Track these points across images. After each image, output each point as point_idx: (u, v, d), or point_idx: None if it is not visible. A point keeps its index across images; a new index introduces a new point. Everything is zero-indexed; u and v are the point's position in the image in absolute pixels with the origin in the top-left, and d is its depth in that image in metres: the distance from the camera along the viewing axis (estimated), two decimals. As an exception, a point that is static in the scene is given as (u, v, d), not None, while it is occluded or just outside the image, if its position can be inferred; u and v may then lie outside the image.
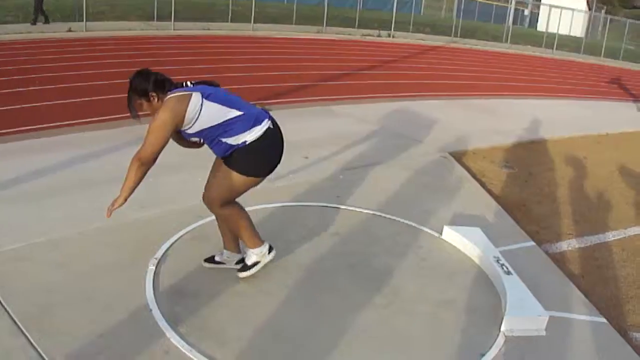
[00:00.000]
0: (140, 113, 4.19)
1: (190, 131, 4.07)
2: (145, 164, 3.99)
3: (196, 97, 3.99)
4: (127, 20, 21.62)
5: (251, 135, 4.07)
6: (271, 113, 4.36)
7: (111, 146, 7.33)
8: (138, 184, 4.05)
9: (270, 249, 4.56)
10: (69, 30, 17.98)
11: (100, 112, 9.12)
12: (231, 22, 24.00)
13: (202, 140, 4.27)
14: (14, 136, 7.72)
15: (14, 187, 5.89)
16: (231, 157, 4.15)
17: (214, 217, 4.68)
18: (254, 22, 22.93)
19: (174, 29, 20.53)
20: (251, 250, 4.50)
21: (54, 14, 19.52)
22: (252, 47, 18.32)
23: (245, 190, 4.28)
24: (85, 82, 11.34)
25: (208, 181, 4.40)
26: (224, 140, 4.08)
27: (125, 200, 4.07)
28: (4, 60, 13.06)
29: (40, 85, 10.72)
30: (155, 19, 22.01)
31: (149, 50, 15.56)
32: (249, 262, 4.53)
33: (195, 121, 4.00)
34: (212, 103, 4.02)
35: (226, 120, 4.03)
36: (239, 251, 4.66)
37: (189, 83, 4.12)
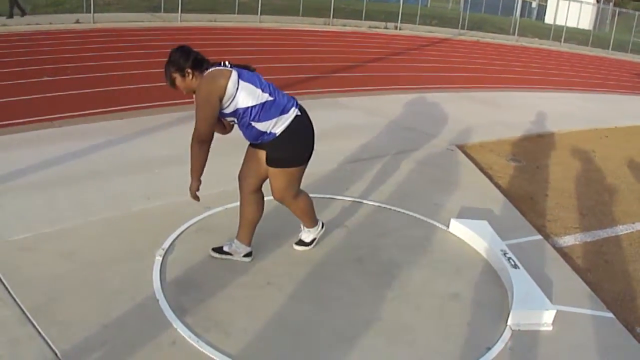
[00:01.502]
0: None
1: (226, 110, 4.11)
2: (205, 140, 4.11)
3: (234, 75, 4.03)
4: (135, 11, 21.62)
5: (278, 125, 4.16)
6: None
7: (119, 137, 7.33)
8: (204, 162, 4.22)
9: (322, 225, 4.96)
10: (77, 22, 17.99)
11: (108, 103, 9.12)
12: (238, 13, 23.99)
13: (233, 123, 4.31)
14: (22, 127, 7.73)
15: (23, 178, 5.91)
16: (270, 157, 4.28)
17: (220, 208, 4.70)
18: (261, 14, 22.89)
19: (180, 21, 20.53)
20: (309, 229, 4.87)
21: (62, 5, 19.52)
22: (259, 39, 18.30)
23: (301, 176, 4.49)
24: (93, 73, 11.35)
25: (243, 168, 4.53)
26: (254, 124, 4.14)
27: (199, 180, 4.28)
28: (11, 52, 13.08)
29: (48, 77, 10.73)
30: (162, 10, 22.04)
31: (156, 42, 15.55)
32: (307, 239, 4.89)
33: (233, 99, 4.04)
34: (247, 84, 4.07)
35: (257, 104, 4.09)
36: (249, 244, 4.68)
37: (227, 62, 4.13)
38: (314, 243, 4.91)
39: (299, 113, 4.26)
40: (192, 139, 4.13)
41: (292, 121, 4.20)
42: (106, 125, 7.94)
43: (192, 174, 4.26)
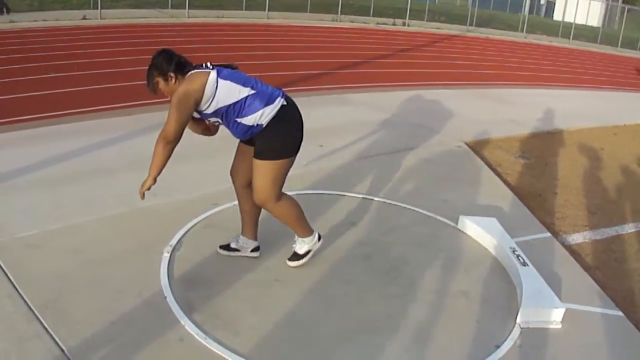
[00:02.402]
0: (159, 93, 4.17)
1: (207, 111, 4.07)
2: (171, 141, 4.00)
3: (213, 74, 4.00)
4: (142, 8, 21.66)
5: (264, 116, 4.07)
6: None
7: (125, 133, 7.34)
8: (165, 162, 4.08)
9: (319, 237, 4.65)
10: (84, 18, 18.02)
11: (116, 99, 9.13)
12: (245, 9, 24.00)
13: (218, 123, 4.27)
14: (29, 124, 7.75)
15: (30, 174, 5.91)
16: (257, 149, 4.15)
17: (228, 205, 4.70)
18: (268, 10, 22.89)
19: (188, 17, 20.55)
20: (302, 239, 4.56)
21: (70, 1, 19.57)
22: (267, 35, 18.29)
23: (286, 173, 4.26)
24: (101, 69, 11.36)
25: (234, 164, 4.45)
26: (239, 120, 4.08)
27: (154, 180, 4.11)
28: (18, 48, 13.11)
29: (55, 73, 10.75)
30: (169, 6, 22.07)
31: (164, 38, 15.56)
32: (301, 251, 4.59)
33: (212, 100, 4.00)
34: (226, 81, 4.02)
35: (240, 100, 4.03)
36: (255, 238, 4.67)
37: (208, 64, 4.12)
38: (309, 256, 4.60)
39: (285, 103, 4.17)
40: (159, 137, 4.00)
41: (279, 111, 4.11)
42: (113, 122, 7.95)
43: (150, 171, 4.09)
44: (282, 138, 4.15)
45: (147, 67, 4.09)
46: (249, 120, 4.08)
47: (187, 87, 3.96)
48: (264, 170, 4.14)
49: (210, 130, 4.44)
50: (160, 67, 4.04)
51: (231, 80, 4.05)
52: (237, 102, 4.03)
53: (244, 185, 4.45)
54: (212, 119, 4.19)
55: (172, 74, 4.03)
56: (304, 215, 4.52)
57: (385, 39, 20.90)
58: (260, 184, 4.18)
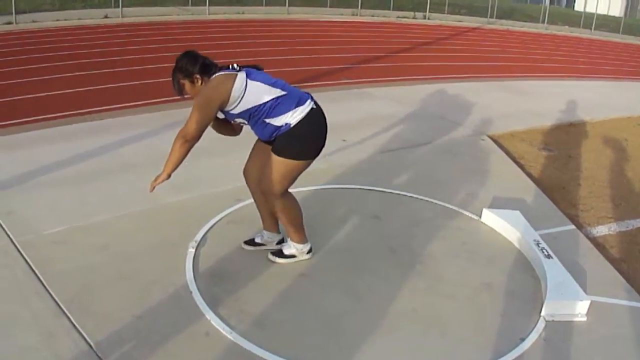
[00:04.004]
0: (186, 96, 4.19)
1: (234, 111, 4.07)
2: (190, 140, 4.01)
3: (241, 76, 3.99)
4: (163, 5, 21.74)
5: (294, 116, 4.06)
6: (309, 96, 4.35)
7: (150, 130, 7.39)
8: (182, 160, 4.09)
9: (310, 250, 4.62)
10: (106, 17, 18.14)
11: (139, 96, 9.20)
12: (265, 5, 24.02)
13: (243, 125, 4.27)
14: (54, 122, 7.83)
15: (55, 172, 5.98)
16: (278, 145, 4.14)
17: (251, 200, 4.71)
18: (289, 5, 22.89)
19: (208, 14, 20.60)
20: (294, 243, 4.55)
21: (91, 0, 19.69)
22: (288, 31, 18.30)
23: (299, 174, 4.26)
24: (123, 67, 11.44)
25: (249, 164, 4.45)
26: (267, 121, 4.07)
27: (169, 175, 4.12)
28: (42, 47, 13.23)
29: (79, 72, 10.83)
30: (190, 3, 22.14)
31: (185, 35, 15.63)
32: (287, 252, 4.58)
33: (240, 101, 4.00)
34: (256, 82, 4.02)
35: (269, 100, 4.02)
36: (278, 231, 4.69)
37: (235, 65, 4.12)
38: (290, 260, 4.56)
39: (315, 106, 4.17)
40: (178, 134, 4.01)
41: (309, 112, 4.10)
42: (138, 119, 8.00)
43: (165, 167, 4.08)
44: (305, 141, 4.14)
45: (171, 65, 4.11)
46: (278, 120, 4.06)
47: (212, 90, 3.97)
48: (278, 165, 4.14)
49: (235, 131, 4.44)
50: (185, 70, 4.05)
51: (260, 81, 4.04)
52: (266, 102, 4.02)
53: (258, 184, 4.44)
54: (238, 120, 4.18)
55: (198, 76, 4.04)
56: (302, 221, 4.51)
57: (405, 32, 20.83)
58: (270, 175, 4.18)
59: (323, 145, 4.26)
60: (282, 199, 4.28)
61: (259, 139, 4.36)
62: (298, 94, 4.13)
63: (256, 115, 4.07)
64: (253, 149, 4.46)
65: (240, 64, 4.16)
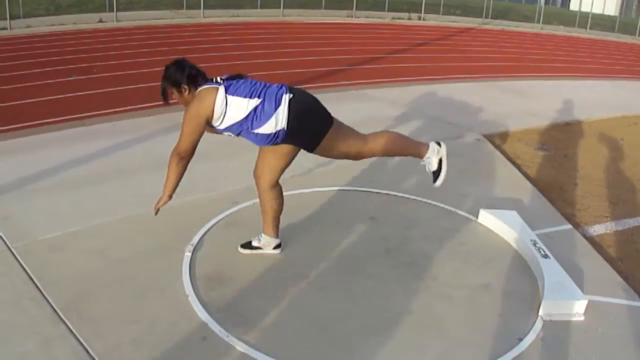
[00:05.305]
0: (171, 101, 4.23)
1: (221, 127, 4.11)
2: (184, 157, 4.08)
3: (221, 92, 4.02)
4: (157, 9, 21.74)
5: (281, 120, 4.05)
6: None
7: (146, 134, 7.38)
8: (179, 178, 4.16)
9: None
10: (100, 21, 18.13)
11: (133, 100, 9.18)
12: (260, 8, 24.02)
13: (233, 136, 4.28)
14: (49, 127, 7.81)
15: (51, 177, 5.96)
16: (303, 146, 4.24)
17: (248, 203, 4.71)
18: (284, 8, 22.90)
19: (203, 17, 20.59)
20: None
21: (86, 5, 19.68)
22: (283, 33, 18.29)
23: (344, 135, 4.30)
24: (118, 71, 11.43)
25: (258, 165, 4.45)
26: (256, 131, 4.09)
27: (170, 197, 4.20)
28: (36, 52, 13.21)
29: (76, 77, 10.82)
30: (184, 7, 22.14)
31: (180, 39, 15.61)
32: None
33: (224, 116, 4.04)
34: (234, 97, 4.03)
35: (249, 113, 4.04)
36: (277, 236, 4.69)
37: (218, 79, 4.14)
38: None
39: (291, 95, 4.12)
40: (172, 153, 4.08)
41: (289, 107, 4.07)
42: (132, 123, 7.98)
43: (165, 189, 4.17)
44: (310, 126, 4.16)
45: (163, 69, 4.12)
46: (266, 129, 4.07)
47: (198, 105, 4.01)
48: (328, 148, 4.24)
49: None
50: (173, 79, 4.11)
51: (239, 95, 4.05)
52: (247, 115, 4.05)
53: (271, 186, 4.44)
54: (226, 133, 4.21)
55: (185, 86, 4.10)
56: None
57: (401, 33, 20.84)
58: (344, 151, 4.31)
59: (324, 110, 4.26)
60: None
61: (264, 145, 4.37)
62: (273, 95, 4.09)
63: (242, 128, 4.10)
64: (259, 152, 4.46)
65: (225, 75, 4.18)
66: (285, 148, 4.29)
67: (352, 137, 4.31)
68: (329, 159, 4.56)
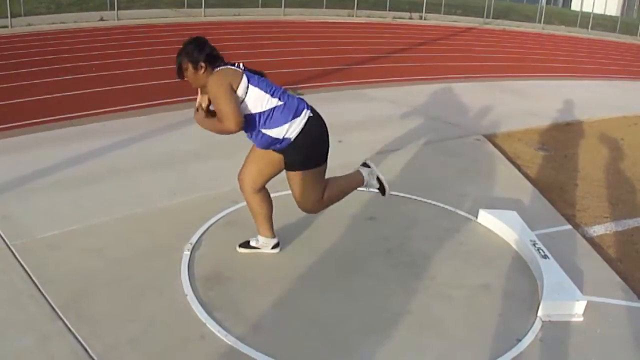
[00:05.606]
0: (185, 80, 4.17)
1: None
2: (234, 130, 3.97)
3: (245, 79, 3.99)
4: (158, 7, 21.74)
5: (292, 129, 4.05)
6: (304, 97, 4.33)
7: (143, 133, 7.37)
8: (211, 130, 4.11)
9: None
10: (101, 20, 18.12)
11: (133, 99, 9.16)
12: (261, 7, 24.02)
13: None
14: (46, 126, 7.80)
15: (49, 176, 5.96)
16: (287, 161, 4.17)
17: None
18: (285, 7, 22.89)
19: (204, 16, 20.59)
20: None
21: (87, 3, 19.67)
22: (284, 32, 18.29)
23: (323, 176, 4.31)
24: (118, 70, 11.42)
25: (244, 170, 4.40)
26: (264, 131, 4.06)
27: (206, 110, 4.12)
28: (36, 51, 13.20)
29: (72, 75, 10.82)
30: (185, 6, 22.14)
31: (181, 38, 15.57)
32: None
33: (242, 103, 3.99)
34: (256, 89, 4.01)
35: (267, 110, 4.01)
36: (273, 235, 4.67)
37: (241, 64, 4.11)
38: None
39: (312, 114, 4.15)
40: (224, 129, 3.98)
41: (306, 123, 4.09)
42: (131, 122, 7.97)
43: (205, 117, 4.12)
44: (310, 150, 4.15)
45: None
46: (275, 132, 4.05)
47: (224, 79, 3.93)
48: (297, 180, 4.19)
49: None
50: (191, 55, 4.02)
51: (260, 89, 4.03)
52: (263, 112, 4.02)
53: (256, 190, 4.41)
54: None
55: (202, 64, 4.01)
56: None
57: (402, 33, 20.83)
58: (299, 193, 4.24)
59: (328, 149, 4.28)
60: (324, 199, 4.37)
61: (254, 145, 4.34)
62: (295, 105, 4.10)
63: (253, 123, 4.06)
64: (249, 155, 4.42)
65: (246, 66, 4.15)
66: (277, 157, 4.25)
67: (317, 188, 4.28)
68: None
